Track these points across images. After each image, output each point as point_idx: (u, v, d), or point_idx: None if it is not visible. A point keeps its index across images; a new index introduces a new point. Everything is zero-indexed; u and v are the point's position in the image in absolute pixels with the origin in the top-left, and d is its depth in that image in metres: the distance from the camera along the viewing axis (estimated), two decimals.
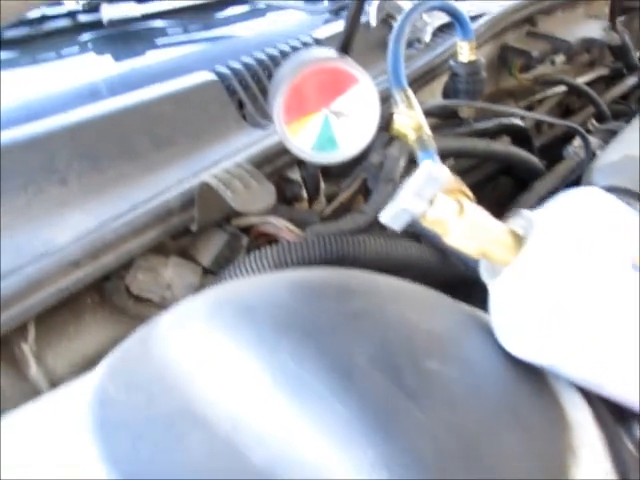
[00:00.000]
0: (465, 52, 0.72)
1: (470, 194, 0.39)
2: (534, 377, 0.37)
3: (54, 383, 0.53)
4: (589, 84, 0.99)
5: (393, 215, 0.35)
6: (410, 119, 0.50)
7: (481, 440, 0.31)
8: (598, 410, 0.37)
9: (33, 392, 0.52)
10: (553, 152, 0.88)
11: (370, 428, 0.28)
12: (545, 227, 0.35)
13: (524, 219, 0.36)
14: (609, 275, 0.32)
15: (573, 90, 0.95)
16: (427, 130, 0.50)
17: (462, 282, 0.65)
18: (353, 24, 0.48)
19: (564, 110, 1.03)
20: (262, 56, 0.72)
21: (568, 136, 0.90)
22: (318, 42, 0.74)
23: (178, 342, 0.38)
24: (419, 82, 0.74)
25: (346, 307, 0.35)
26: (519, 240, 0.35)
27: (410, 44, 0.82)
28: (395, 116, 0.50)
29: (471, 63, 0.72)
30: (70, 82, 0.71)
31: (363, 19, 0.82)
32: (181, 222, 0.55)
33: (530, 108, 0.95)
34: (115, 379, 0.37)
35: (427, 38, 0.81)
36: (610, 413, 0.37)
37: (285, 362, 0.31)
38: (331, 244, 0.54)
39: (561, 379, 0.38)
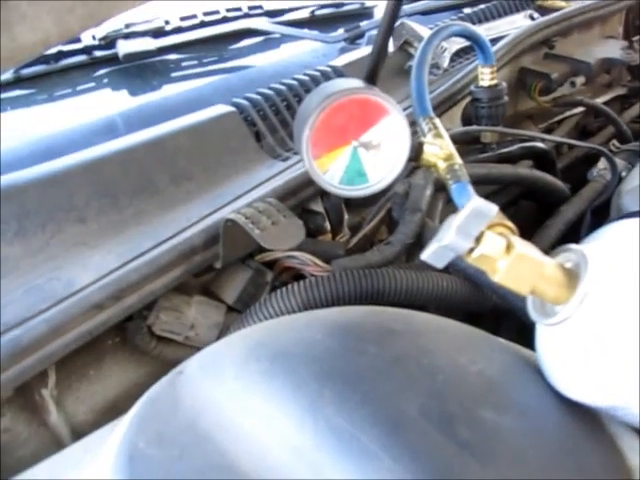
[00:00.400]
0: (486, 77, 0.71)
1: (514, 227, 0.38)
2: (591, 421, 0.34)
3: (75, 429, 0.51)
4: (606, 104, 0.98)
5: (435, 253, 0.33)
6: (440, 149, 0.48)
7: None
8: None
9: (53, 439, 0.50)
10: (574, 175, 0.86)
11: None
12: (601, 262, 0.33)
13: (575, 253, 0.34)
14: None
15: (593, 111, 0.93)
16: (458, 159, 0.48)
17: (490, 313, 0.63)
18: (381, 53, 0.47)
19: (581, 131, 1.01)
20: (280, 87, 0.71)
21: (588, 158, 0.88)
22: (336, 70, 0.74)
23: (210, 390, 0.36)
24: (440, 109, 0.73)
25: (389, 350, 0.33)
26: (572, 276, 0.33)
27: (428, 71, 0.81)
28: (426, 146, 0.48)
29: (492, 88, 0.71)
30: (87, 118, 0.70)
31: None
32: (204, 260, 0.53)
33: (549, 130, 0.94)
34: (144, 431, 0.35)
35: (445, 64, 0.80)
36: None
37: (329, 414, 0.29)
38: (361, 279, 0.52)
39: (617, 422, 0.35)
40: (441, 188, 0.66)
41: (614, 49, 0.90)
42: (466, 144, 0.76)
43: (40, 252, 0.53)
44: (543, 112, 0.93)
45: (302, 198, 0.59)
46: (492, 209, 0.32)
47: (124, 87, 0.76)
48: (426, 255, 0.34)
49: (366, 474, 0.27)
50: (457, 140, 0.75)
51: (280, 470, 0.30)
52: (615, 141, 0.90)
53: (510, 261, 0.32)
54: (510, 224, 0.38)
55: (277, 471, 0.30)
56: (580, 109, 0.95)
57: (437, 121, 0.53)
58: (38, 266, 0.52)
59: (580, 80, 0.88)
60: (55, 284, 0.50)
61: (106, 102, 0.75)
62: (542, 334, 0.36)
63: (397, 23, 0.78)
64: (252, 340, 0.37)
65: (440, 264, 0.34)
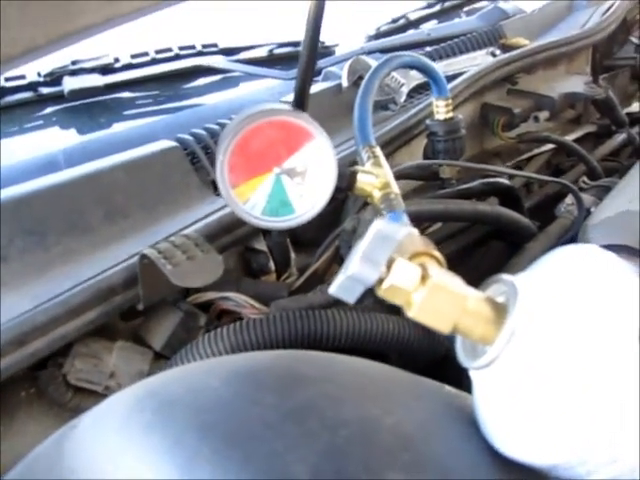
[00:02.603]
0: (441, 110, 0.68)
1: (441, 258, 0.34)
2: None
3: None
4: (577, 142, 0.96)
5: (342, 286, 0.29)
6: (376, 177, 0.45)
7: None
8: None
9: None
10: (545, 213, 0.83)
11: None
12: (532, 294, 0.28)
13: (505, 285, 0.30)
14: (615, 353, 0.25)
15: (561, 148, 0.91)
16: (395, 189, 0.45)
17: (452, 361, 0.58)
18: (306, 75, 0.44)
19: (554, 170, 0.99)
20: (227, 122, 0.68)
21: (559, 195, 0.85)
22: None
23: (92, 447, 0.31)
24: (395, 144, 0.71)
25: (291, 401, 0.29)
26: (501, 311, 0.29)
27: (385, 106, 0.79)
28: (359, 175, 0.45)
29: (448, 121, 0.69)
30: (27, 155, 0.67)
31: (336, 81, 0.80)
32: (126, 301, 0.49)
33: (518, 168, 0.91)
34: None
35: (402, 99, 0.78)
36: None
37: (202, 475, 0.25)
38: (296, 320, 0.47)
39: None
40: None
41: (578, 84, 0.88)
42: (425, 180, 0.73)
43: None
44: (510, 150, 0.91)
45: (240, 235, 0.55)
46: (399, 232, 0.28)
47: (70, 124, 0.74)
48: (334, 289, 0.29)
49: None
50: (412, 175, 0.72)
51: None
52: (585, 178, 0.88)
53: (425, 293, 0.28)
54: (437, 254, 0.34)
55: None
56: (549, 146, 0.93)
57: (378, 150, 0.50)
58: None
59: (544, 115, 0.85)
60: None
61: (51, 140, 0.72)
62: (474, 380, 0.31)
63: (352, 59, 0.77)
64: (144, 390, 0.33)
65: (350, 298, 0.29)
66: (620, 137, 1.00)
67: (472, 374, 0.31)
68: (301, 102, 0.44)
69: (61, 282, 0.50)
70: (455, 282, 0.29)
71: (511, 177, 0.79)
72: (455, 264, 0.74)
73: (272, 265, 0.59)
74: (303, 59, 0.43)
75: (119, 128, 0.73)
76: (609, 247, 0.59)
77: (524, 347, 0.27)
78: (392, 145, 0.70)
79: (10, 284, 0.51)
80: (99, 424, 0.33)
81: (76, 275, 0.51)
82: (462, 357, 0.30)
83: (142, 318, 0.54)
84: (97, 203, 0.58)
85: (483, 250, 0.80)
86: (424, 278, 0.28)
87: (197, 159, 0.65)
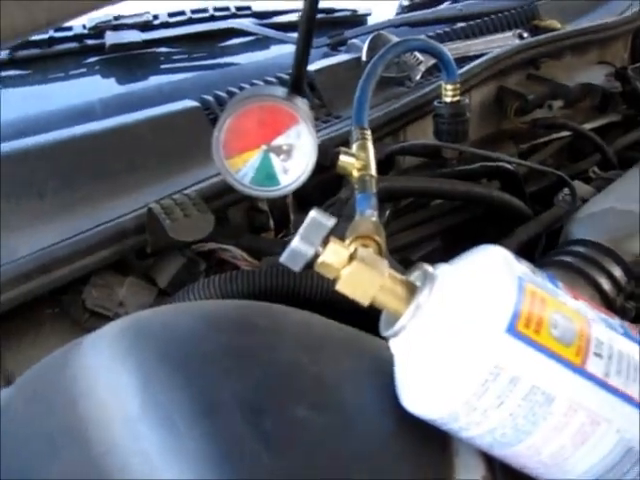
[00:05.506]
0: (449, 93, 0.71)
1: (382, 243, 0.40)
2: (424, 435, 0.35)
3: None
4: (601, 130, 0.96)
5: (289, 256, 0.35)
6: (356, 159, 0.50)
7: None
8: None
9: None
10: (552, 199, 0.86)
11: (214, 467, 0.29)
12: (440, 280, 0.34)
13: (421, 271, 0.36)
14: (481, 340, 0.31)
15: (577, 135, 0.92)
16: (372, 171, 0.50)
17: None
18: (302, 58, 0.48)
19: (575, 155, 1.00)
20: (247, 87, 0.74)
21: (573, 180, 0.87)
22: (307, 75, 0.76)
23: (89, 361, 0.39)
24: (403, 120, 0.75)
25: (236, 342, 0.36)
26: (413, 290, 0.35)
27: (401, 83, 0.82)
28: (341, 155, 0.50)
29: (454, 104, 0.72)
30: (69, 102, 0.75)
31: (358, 54, 0.84)
32: (136, 243, 0.57)
33: (532, 151, 0.93)
34: (24, 388, 0.39)
35: (417, 77, 0.81)
36: None
37: (155, 393, 0.32)
38: (278, 276, 0.54)
39: (465, 442, 0.36)
40: (388, 198, 0.68)
41: (597, 75, 0.88)
42: (429, 158, 0.78)
43: None
44: (527, 133, 0.93)
45: (241, 195, 0.62)
46: (329, 221, 0.34)
47: (109, 75, 0.81)
48: (283, 258, 0.36)
49: (171, 450, 0.30)
50: (417, 152, 0.77)
51: (112, 439, 0.33)
52: (596, 168, 0.89)
53: (349, 270, 0.34)
54: (379, 239, 0.40)
55: (108, 440, 0.33)
56: (566, 133, 0.94)
57: (368, 133, 0.55)
58: None
59: (557, 103, 0.87)
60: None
61: (90, 88, 0.79)
62: (391, 345, 0.37)
63: (373, 34, 0.80)
64: (132, 320, 0.40)
65: (295, 267, 0.36)
66: None
67: (389, 341, 0.37)
68: (297, 85, 0.49)
69: (84, 221, 0.59)
70: (379, 264, 0.35)
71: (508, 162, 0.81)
72: (453, 239, 0.79)
73: (272, 224, 0.66)
74: (299, 45, 0.47)
75: (153, 82, 0.80)
76: (582, 242, 0.63)
77: (425, 321, 0.34)
78: (400, 121, 0.74)
79: (43, 218, 0.59)
80: (96, 343, 0.41)
81: (97, 217, 0.59)
82: (382, 327, 0.37)
83: (153, 259, 0.62)
84: (120, 154, 0.65)
85: (482, 227, 0.84)
86: (352, 258, 0.35)
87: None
